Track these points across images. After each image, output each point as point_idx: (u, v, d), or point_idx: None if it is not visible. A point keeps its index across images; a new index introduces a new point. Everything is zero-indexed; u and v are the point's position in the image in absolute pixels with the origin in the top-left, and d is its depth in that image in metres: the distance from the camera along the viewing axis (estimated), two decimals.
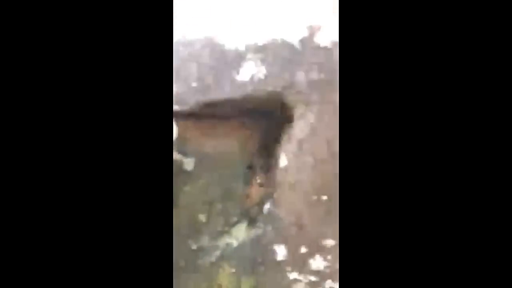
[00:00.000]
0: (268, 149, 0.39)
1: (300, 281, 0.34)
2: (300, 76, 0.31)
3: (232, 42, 0.31)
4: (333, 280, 0.34)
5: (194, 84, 0.32)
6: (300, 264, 0.34)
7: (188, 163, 0.34)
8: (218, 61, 0.31)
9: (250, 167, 0.39)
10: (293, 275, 0.35)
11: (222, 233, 0.37)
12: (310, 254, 0.34)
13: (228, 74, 0.31)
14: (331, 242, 0.34)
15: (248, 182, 0.38)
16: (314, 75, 0.31)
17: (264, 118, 0.37)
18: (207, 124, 0.36)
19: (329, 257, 0.34)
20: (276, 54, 0.31)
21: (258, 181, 0.39)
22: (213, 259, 0.36)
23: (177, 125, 0.33)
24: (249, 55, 0.31)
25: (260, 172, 0.39)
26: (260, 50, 0.31)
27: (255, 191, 0.38)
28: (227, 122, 0.36)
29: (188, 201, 0.35)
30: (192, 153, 0.35)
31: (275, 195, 0.34)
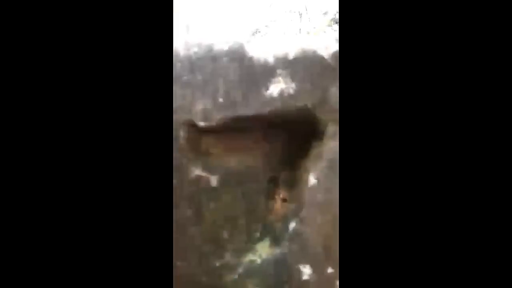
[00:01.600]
0: (291, 163, 0.38)
1: None
2: (333, 93, 0.29)
3: (261, 55, 0.30)
4: None
5: (221, 100, 0.30)
6: (327, 285, 0.33)
7: (213, 180, 0.33)
8: (246, 76, 0.30)
9: (273, 181, 0.38)
10: None
11: (245, 249, 0.36)
12: (337, 276, 0.33)
13: (257, 90, 0.30)
14: None
15: (270, 196, 0.37)
16: None
17: (288, 131, 0.36)
18: (229, 139, 0.35)
19: None
20: (307, 68, 0.30)
21: (281, 196, 0.38)
22: (236, 276, 0.35)
23: (202, 141, 0.32)
24: (279, 70, 0.30)
25: (283, 186, 0.38)
26: (291, 64, 0.30)
27: (278, 206, 0.37)
28: (249, 135, 0.35)
29: (212, 218, 0.34)
30: (216, 169, 0.34)
31: (301, 214, 0.33)
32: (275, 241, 0.36)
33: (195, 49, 0.31)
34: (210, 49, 0.31)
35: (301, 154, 0.37)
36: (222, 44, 0.31)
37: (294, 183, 0.37)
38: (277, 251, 0.35)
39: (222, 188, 0.34)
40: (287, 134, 0.37)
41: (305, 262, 0.34)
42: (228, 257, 0.35)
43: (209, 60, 0.31)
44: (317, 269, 0.33)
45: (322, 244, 0.33)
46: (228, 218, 0.35)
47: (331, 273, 0.33)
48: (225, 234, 0.35)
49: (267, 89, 0.30)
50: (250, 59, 0.30)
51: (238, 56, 0.31)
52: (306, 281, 0.33)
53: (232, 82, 0.30)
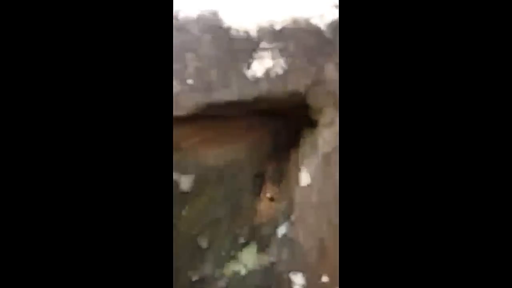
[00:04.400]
0: (279, 156, 0.33)
1: None
2: (330, 71, 0.24)
3: (241, 25, 0.24)
4: None
5: (190, 81, 0.24)
6: None
7: (184, 182, 0.27)
8: (223, 51, 0.24)
9: (258, 177, 0.33)
10: None
11: (227, 258, 0.31)
12: (333, 285, 0.29)
13: (236, 69, 0.24)
14: None
15: (256, 194, 0.32)
16: None
17: (276, 118, 0.31)
18: (205, 129, 0.29)
19: None
20: (299, 41, 0.24)
21: (268, 194, 0.33)
22: None
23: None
24: (264, 43, 0.24)
25: (270, 183, 0.33)
26: (278, 36, 0.24)
27: (265, 206, 0.33)
28: (230, 123, 0.30)
29: (186, 226, 0.29)
30: (190, 168, 0.28)
31: (292, 217, 0.28)
32: (263, 247, 0.31)
33: None
34: (175, 16, 0.24)
35: (290, 145, 0.32)
36: (190, 9, 0.24)
37: (283, 179, 0.32)
38: (265, 258, 0.30)
39: (197, 190, 0.28)
40: (275, 122, 0.31)
41: (297, 270, 0.29)
42: (207, 269, 0.30)
43: (175, 30, 0.24)
44: (311, 278, 0.29)
45: (316, 250, 0.29)
46: (206, 224, 0.30)
47: (327, 282, 0.29)
48: (204, 243, 0.30)
49: (249, 67, 0.24)
50: (227, 29, 0.24)
51: (211, 26, 0.24)
52: None
53: (205, 58, 0.24)
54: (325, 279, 0.29)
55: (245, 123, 0.31)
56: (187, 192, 0.27)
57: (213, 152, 0.30)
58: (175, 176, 0.27)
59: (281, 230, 0.30)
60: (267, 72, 0.24)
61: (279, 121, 0.31)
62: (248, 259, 0.31)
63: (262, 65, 0.24)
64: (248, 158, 0.31)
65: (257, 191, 0.32)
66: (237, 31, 0.24)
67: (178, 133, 0.28)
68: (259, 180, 0.33)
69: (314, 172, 0.26)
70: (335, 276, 0.29)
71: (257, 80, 0.25)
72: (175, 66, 0.24)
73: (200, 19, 0.24)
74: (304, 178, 0.27)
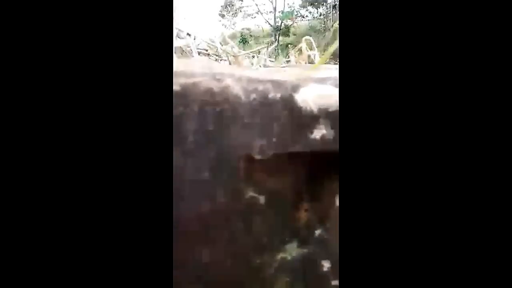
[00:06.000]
0: (312, 182, 0.47)
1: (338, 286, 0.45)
2: None
3: (308, 105, 0.38)
4: None
5: (274, 139, 0.38)
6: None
7: (262, 199, 0.41)
8: (296, 122, 0.38)
9: (298, 196, 0.47)
10: (334, 282, 0.45)
11: (278, 250, 0.46)
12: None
13: (303, 133, 0.38)
14: None
15: (296, 208, 0.47)
16: None
17: (307, 155, 0.45)
18: (263, 163, 0.43)
19: None
20: None
21: (306, 207, 0.47)
22: (272, 271, 0.45)
23: (254, 169, 0.40)
24: (321, 120, 0.38)
25: (306, 200, 0.48)
26: (330, 115, 0.38)
27: (303, 215, 0.47)
28: (277, 157, 0.44)
29: (260, 229, 0.43)
30: (262, 191, 0.42)
31: (328, 224, 0.44)
32: (302, 243, 0.46)
33: (254, 96, 0.38)
34: (265, 97, 0.38)
35: (321, 176, 0.46)
36: (275, 92, 0.38)
37: (316, 198, 0.47)
38: (304, 250, 0.45)
39: (266, 204, 0.42)
40: (307, 158, 0.45)
41: (326, 258, 0.45)
42: (266, 256, 0.44)
43: (266, 106, 0.38)
44: (335, 262, 0.45)
45: (339, 246, 0.44)
46: (269, 227, 0.44)
47: None
48: (265, 240, 0.45)
49: (312, 133, 0.39)
50: (299, 108, 0.38)
51: (288, 104, 0.38)
52: (326, 272, 0.45)
53: (284, 125, 0.38)
54: None
55: (285, 157, 0.45)
56: (263, 206, 0.42)
57: (272, 181, 0.44)
58: (257, 195, 0.41)
59: (317, 232, 0.45)
60: (322, 136, 0.39)
61: (309, 157, 0.46)
62: (292, 250, 0.46)
63: (320, 132, 0.39)
64: (290, 183, 0.45)
65: (296, 206, 0.47)
66: (306, 109, 0.38)
67: (256, 168, 0.42)
68: (298, 199, 0.47)
69: None
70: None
71: (315, 141, 0.39)
72: (265, 129, 0.38)
73: (282, 100, 0.38)
74: (337, 202, 0.42)
